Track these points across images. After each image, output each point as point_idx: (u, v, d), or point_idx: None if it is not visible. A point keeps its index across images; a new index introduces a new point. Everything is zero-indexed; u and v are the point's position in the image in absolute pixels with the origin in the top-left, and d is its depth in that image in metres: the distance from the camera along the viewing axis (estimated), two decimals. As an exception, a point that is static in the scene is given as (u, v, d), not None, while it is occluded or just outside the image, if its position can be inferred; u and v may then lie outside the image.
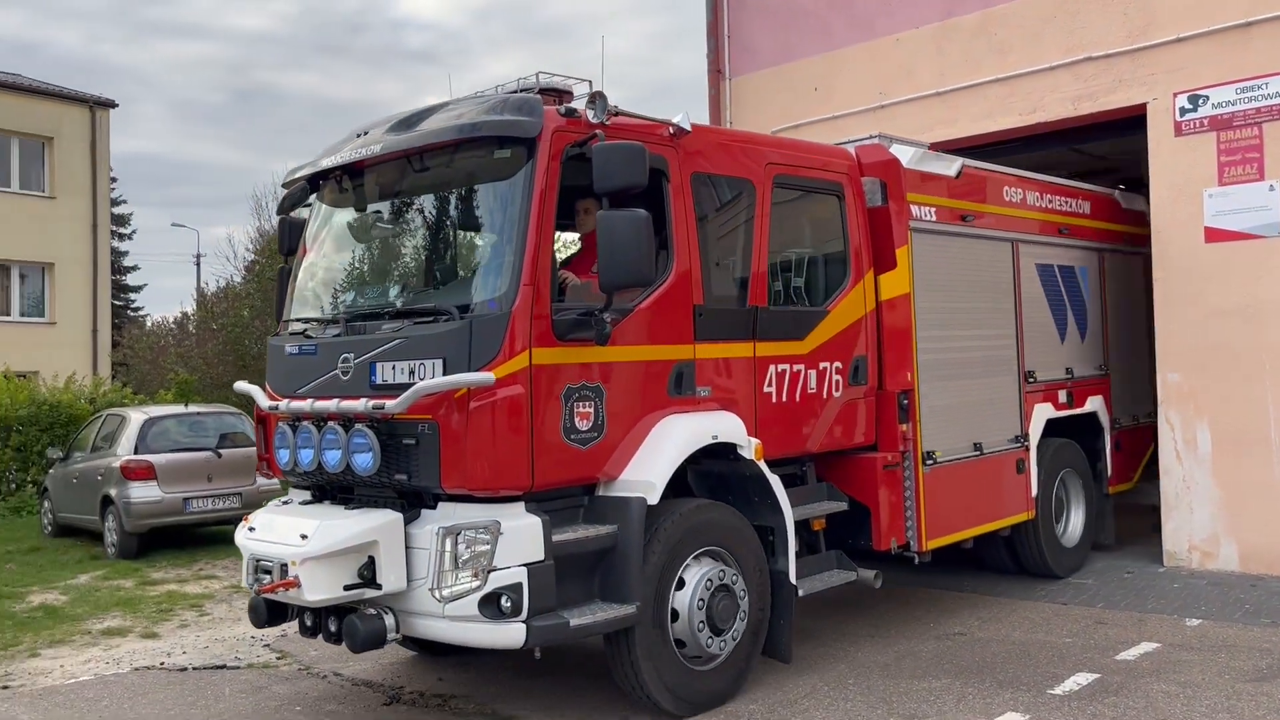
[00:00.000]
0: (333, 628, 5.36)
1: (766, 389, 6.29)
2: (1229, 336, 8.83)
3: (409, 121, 5.81)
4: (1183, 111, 9.09)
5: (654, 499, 5.47)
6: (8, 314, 27.80)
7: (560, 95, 5.65)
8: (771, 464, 6.19)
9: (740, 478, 6.16)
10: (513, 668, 6.64)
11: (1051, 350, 8.60)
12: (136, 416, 13.10)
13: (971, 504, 7.59)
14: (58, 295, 28.40)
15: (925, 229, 7.32)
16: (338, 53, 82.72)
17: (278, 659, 7.31)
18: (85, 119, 29.20)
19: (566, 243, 7.56)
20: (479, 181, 5.71)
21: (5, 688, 6.94)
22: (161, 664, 7.39)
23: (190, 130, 74.66)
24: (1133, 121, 9.50)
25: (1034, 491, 8.18)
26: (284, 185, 6.46)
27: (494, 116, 5.38)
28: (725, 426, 5.93)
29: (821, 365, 6.63)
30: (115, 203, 37.59)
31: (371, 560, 5.14)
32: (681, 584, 5.64)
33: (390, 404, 5.15)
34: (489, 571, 4.98)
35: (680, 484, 6.06)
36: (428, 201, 6.05)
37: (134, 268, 45.37)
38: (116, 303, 37.26)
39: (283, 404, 5.86)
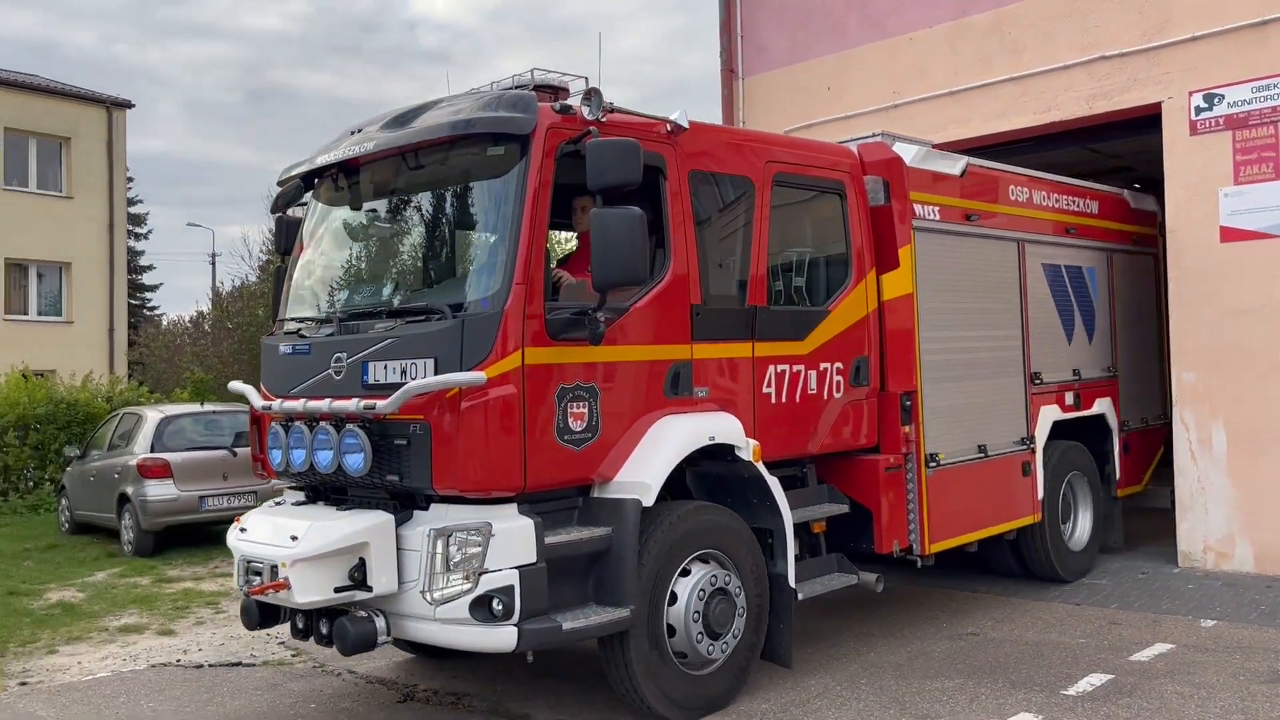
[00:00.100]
0: (324, 630, 5.30)
1: (766, 390, 6.21)
2: (1244, 336, 8.77)
3: (403, 119, 5.74)
4: (1198, 110, 9.05)
5: (649, 501, 5.39)
6: (25, 313, 28.01)
7: (556, 92, 5.58)
8: (771, 466, 6.11)
9: (739, 479, 6.07)
10: (525, 667, 6.65)
11: (1058, 351, 8.50)
12: (153, 415, 13.20)
13: (976, 507, 7.50)
14: (75, 294, 28.60)
15: (929, 228, 7.23)
16: (351, 52, 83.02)
17: (292, 656, 7.35)
18: (102, 119, 29.39)
19: (565, 241, 7.53)
20: (473, 179, 5.63)
21: (24, 684, 7.02)
22: (178, 661, 7.45)
23: (205, 130, 75.09)
24: (1148, 120, 9.43)
25: (1040, 494, 8.08)
26: (279, 183, 6.39)
27: (487, 113, 5.31)
28: (723, 427, 5.85)
29: (822, 366, 6.55)
30: (131, 202, 37.80)
31: (362, 562, 5.08)
32: (677, 589, 5.56)
33: (381, 404, 5.09)
34: (480, 574, 4.91)
35: (679, 486, 6.00)
36: (421, 199, 5.98)
37: (150, 267, 45.65)
38: (133, 302, 37.48)
39: (276, 404, 5.80)
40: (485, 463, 5.00)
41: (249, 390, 6.18)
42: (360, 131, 5.96)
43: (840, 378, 6.67)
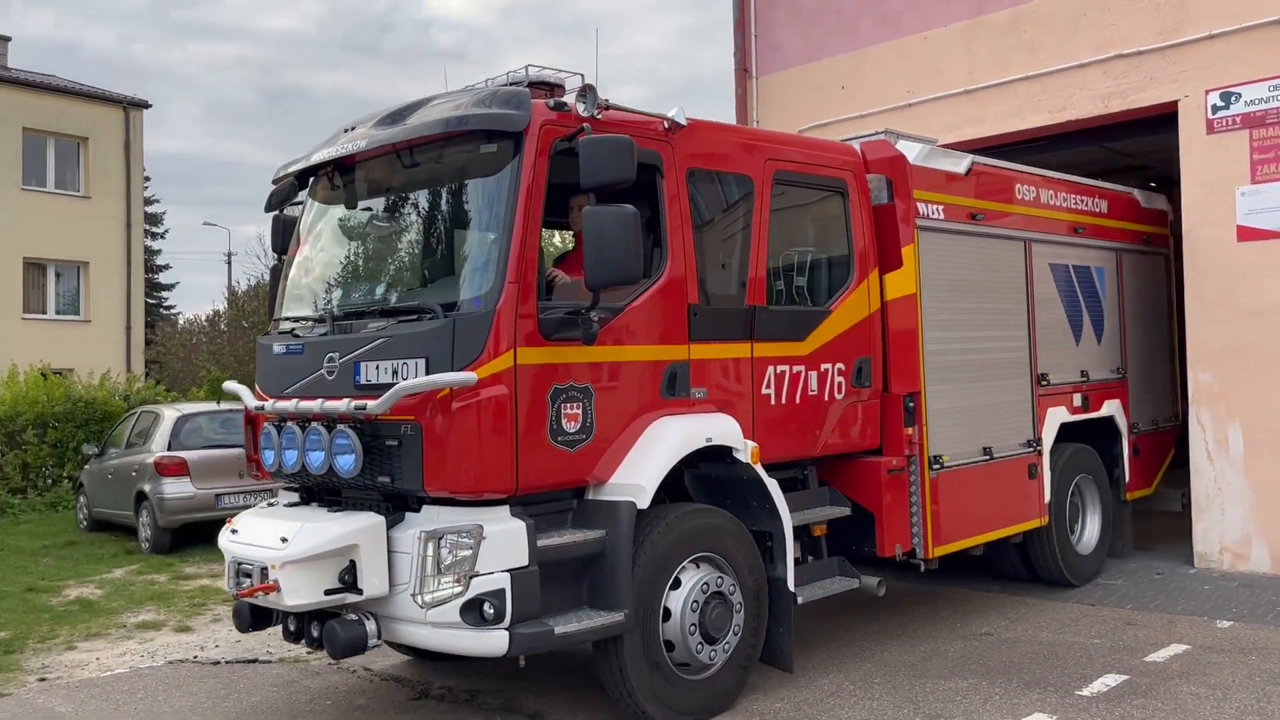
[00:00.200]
0: (315, 633, 5.24)
1: (765, 390, 6.12)
2: (1261, 336, 8.71)
3: (396, 116, 5.67)
4: (1215, 109, 8.99)
5: (644, 503, 5.30)
6: (44, 312, 28.22)
7: (552, 89, 5.50)
8: (771, 468, 6.02)
9: (738, 482, 5.98)
10: (541, 665, 6.67)
11: (1066, 353, 8.37)
12: (170, 413, 13.31)
13: (981, 510, 7.39)
14: (92, 293, 28.80)
15: (933, 227, 7.13)
16: (367, 52, 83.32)
17: (308, 654, 7.34)
18: (119, 120, 29.57)
19: (565, 241, 7.47)
20: (466, 177, 5.55)
21: (43, 680, 7.07)
22: (195, 658, 7.49)
23: (222, 130, 75.48)
24: (1164, 119, 9.38)
25: (1047, 497, 7.97)
26: (274, 181, 6.35)
27: (480, 110, 5.24)
28: (720, 429, 5.76)
29: (823, 366, 6.45)
30: (148, 202, 38.07)
31: (353, 564, 5.02)
32: (673, 592, 5.48)
33: (372, 404, 5.03)
34: (471, 577, 4.84)
35: (678, 488, 5.94)
36: (415, 197, 5.91)
37: (166, 266, 45.98)
38: (149, 301, 37.73)
39: (269, 404, 5.76)
40: (477, 464, 4.93)
41: (243, 390, 6.14)
42: (354, 129, 5.89)
43: (842, 379, 6.57)
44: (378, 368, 5.22)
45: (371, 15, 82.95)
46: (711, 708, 5.64)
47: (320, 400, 5.38)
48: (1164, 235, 9.85)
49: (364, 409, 5.09)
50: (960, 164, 7.54)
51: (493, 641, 4.89)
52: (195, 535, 12.58)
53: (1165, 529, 10.15)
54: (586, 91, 5.25)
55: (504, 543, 4.92)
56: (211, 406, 13.89)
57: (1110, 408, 8.84)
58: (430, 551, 4.91)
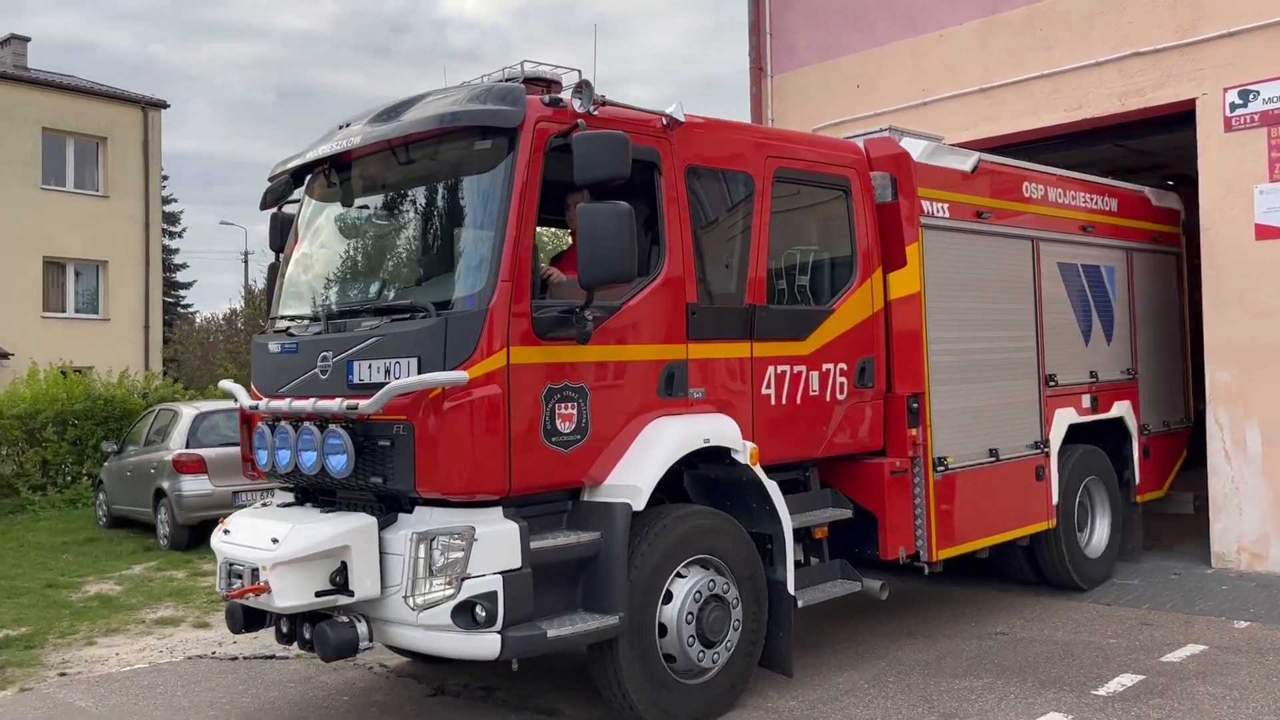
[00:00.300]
0: (306, 634, 5.19)
1: (765, 391, 6.03)
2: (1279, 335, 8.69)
3: (391, 112, 5.61)
4: (1233, 107, 8.94)
5: (639, 505, 5.23)
6: (63, 310, 28.49)
7: (548, 85, 5.42)
8: (772, 469, 5.94)
9: (737, 483, 5.90)
10: (557, 662, 6.69)
11: (1075, 353, 8.26)
12: (188, 411, 13.41)
13: (986, 512, 7.29)
14: (111, 292, 29.05)
15: (938, 226, 7.04)
16: (382, 52, 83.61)
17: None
18: (138, 119, 29.83)
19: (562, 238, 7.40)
20: (460, 174, 5.48)
21: (63, 675, 7.13)
22: (213, 653, 7.54)
23: (238, 129, 75.92)
24: (1181, 117, 9.31)
25: (1055, 500, 7.86)
26: (270, 179, 6.30)
27: (475, 106, 5.18)
28: (719, 430, 5.68)
29: (825, 367, 6.35)
30: (166, 201, 38.35)
31: (344, 566, 4.96)
32: (670, 595, 5.40)
33: (364, 404, 4.98)
34: (463, 579, 4.78)
35: (678, 489, 5.88)
36: (409, 194, 5.84)
37: (184, 265, 46.34)
38: (167, 299, 38.02)
39: (263, 403, 5.70)
40: (469, 465, 4.87)
41: (238, 389, 6.10)
42: (349, 126, 5.84)
43: (844, 379, 6.48)
44: (370, 367, 5.17)
45: (387, 15, 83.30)
46: (709, 712, 5.57)
47: (313, 400, 5.32)
48: (1176, 234, 9.72)
49: (356, 409, 5.04)
50: (966, 161, 7.46)
51: (484, 644, 4.84)
52: (213, 532, 12.65)
53: (1181, 530, 10.07)
54: (583, 87, 5.18)
55: (496, 544, 4.86)
56: (229, 405, 13.96)
57: (1120, 409, 8.72)
58: (422, 553, 4.86)
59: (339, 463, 5.17)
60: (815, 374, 6.32)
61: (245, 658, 7.35)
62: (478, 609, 4.80)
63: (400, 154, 5.53)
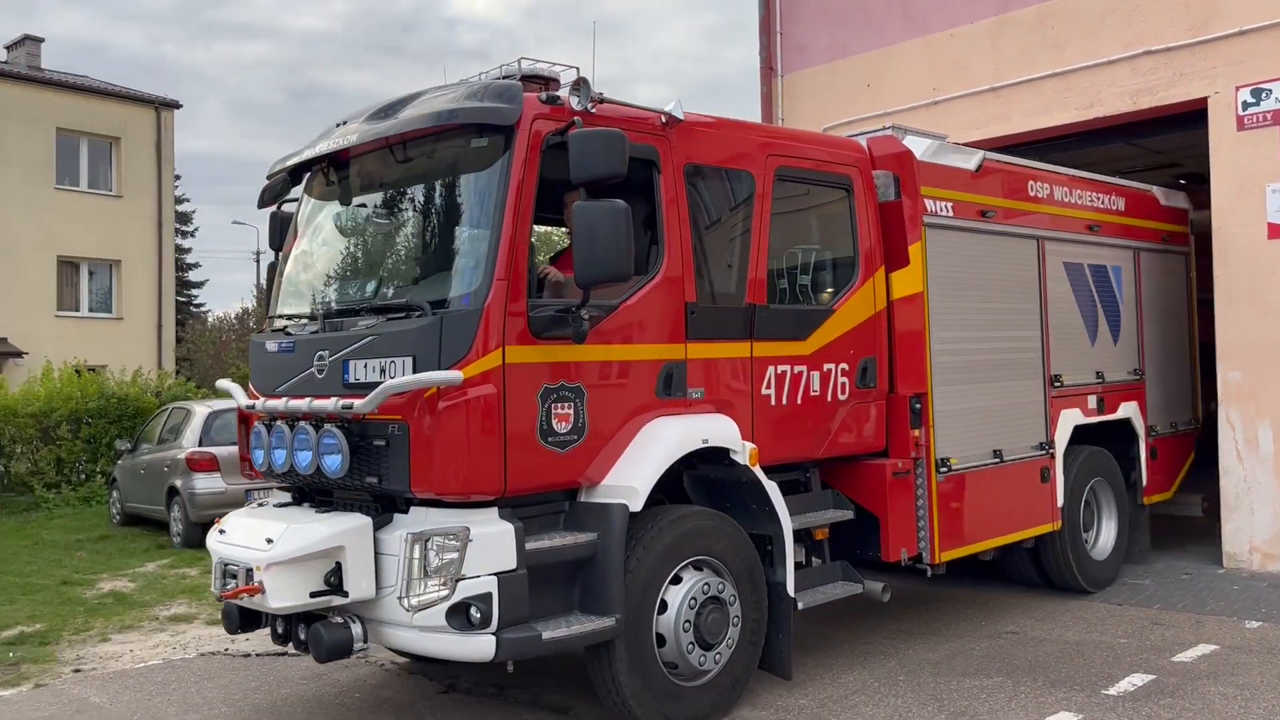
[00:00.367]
0: (302, 635, 5.15)
1: (765, 391, 5.98)
2: (1292, 335, 8.65)
3: (388, 110, 5.57)
4: (1245, 105, 8.90)
5: (637, 505, 5.18)
6: (77, 309, 28.69)
7: (545, 82, 5.39)
8: (772, 470, 5.89)
9: (737, 484, 5.84)
10: (569, 659, 6.71)
11: (1080, 353, 8.18)
12: (201, 410, 13.50)
13: (990, 514, 7.22)
14: (124, 291, 29.24)
15: (941, 225, 6.98)
16: (392, 52, 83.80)
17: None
18: (151, 119, 30.01)
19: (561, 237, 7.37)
20: (457, 171, 5.43)
21: (78, 671, 7.17)
22: (226, 650, 7.57)
23: (249, 129, 76.21)
24: (1193, 116, 9.26)
25: (1060, 501, 7.79)
26: (268, 177, 6.27)
27: (471, 103, 5.14)
28: (718, 430, 5.63)
29: (826, 367, 6.30)
30: (178, 201, 38.52)
31: (339, 566, 4.93)
32: (667, 597, 5.35)
33: (359, 403, 4.94)
34: (457, 580, 4.73)
35: (678, 490, 5.85)
36: (406, 193, 5.80)
37: (196, 264, 46.55)
38: (180, 299, 38.19)
39: (259, 403, 5.68)
40: (464, 465, 4.82)
41: (235, 389, 6.09)
42: (346, 124, 5.81)
43: (845, 379, 6.42)
44: (366, 366, 5.13)
45: (397, 15, 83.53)
46: (707, 714, 5.52)
47: (309, 399, 5.29)
48: (1184, 234, 9.64)
49: (351, 408, 5.01)
50: (970, 160, 7.40)
51: (479, 646, 4.80)
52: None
53: (1192, 530, 10.01)
54: (580, 85, 5.13)
55: (491, 545, 4.82)
56: (242, 403, 14.04)
57: (1127, 410, 8.64)
58: (416, 554, 4.82)
59: (334, 463, 5.14)
60: (816, 374, 6.27)
61: (258, 654, 7.38)
62: (472, 610, 4.76)
63: (397, 152, 5.50)
